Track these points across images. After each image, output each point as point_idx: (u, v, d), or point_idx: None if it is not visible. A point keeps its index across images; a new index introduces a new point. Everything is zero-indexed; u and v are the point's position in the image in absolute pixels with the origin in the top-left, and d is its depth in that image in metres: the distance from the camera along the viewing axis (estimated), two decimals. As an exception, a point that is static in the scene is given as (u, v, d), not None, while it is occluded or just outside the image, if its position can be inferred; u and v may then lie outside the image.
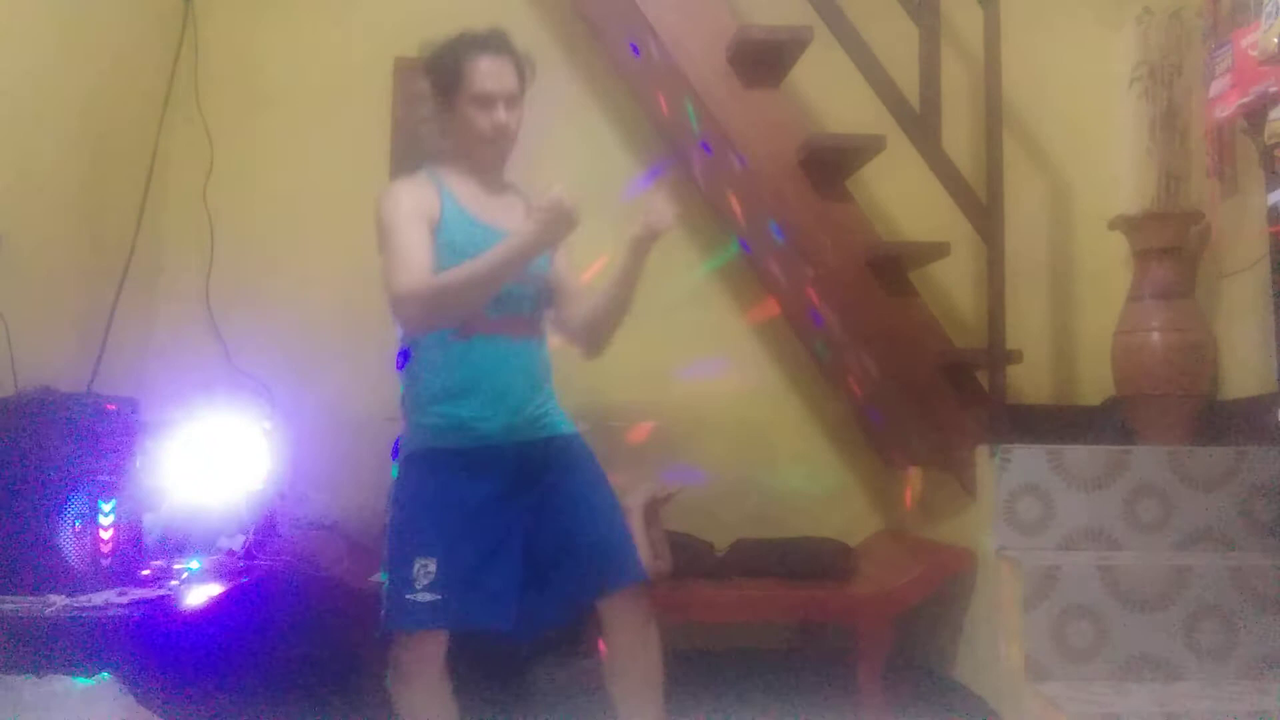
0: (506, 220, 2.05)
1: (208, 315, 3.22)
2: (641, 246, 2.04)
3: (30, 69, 2.41)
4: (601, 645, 2.12)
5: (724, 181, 3.18)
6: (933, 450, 2.93)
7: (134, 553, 2.18)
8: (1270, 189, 2.36)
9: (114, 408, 2.16)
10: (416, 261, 1.95)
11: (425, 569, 1.96)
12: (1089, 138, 3.52)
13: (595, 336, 2.17)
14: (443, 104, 2.08)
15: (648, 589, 2.10)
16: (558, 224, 1.87)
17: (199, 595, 2.09)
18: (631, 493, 2.75)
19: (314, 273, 3.29)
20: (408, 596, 1.96)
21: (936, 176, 2.80)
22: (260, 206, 3.30)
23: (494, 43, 2.06)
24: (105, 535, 2.03)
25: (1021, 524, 2.60)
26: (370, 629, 2.14)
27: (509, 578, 2.01)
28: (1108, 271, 3.34)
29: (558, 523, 2.04)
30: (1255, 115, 2.43)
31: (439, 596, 1.95)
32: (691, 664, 2.98)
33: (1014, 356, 2.82)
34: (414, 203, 2.02)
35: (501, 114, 2.05)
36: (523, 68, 2.09)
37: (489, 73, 2.03)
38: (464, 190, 2.10)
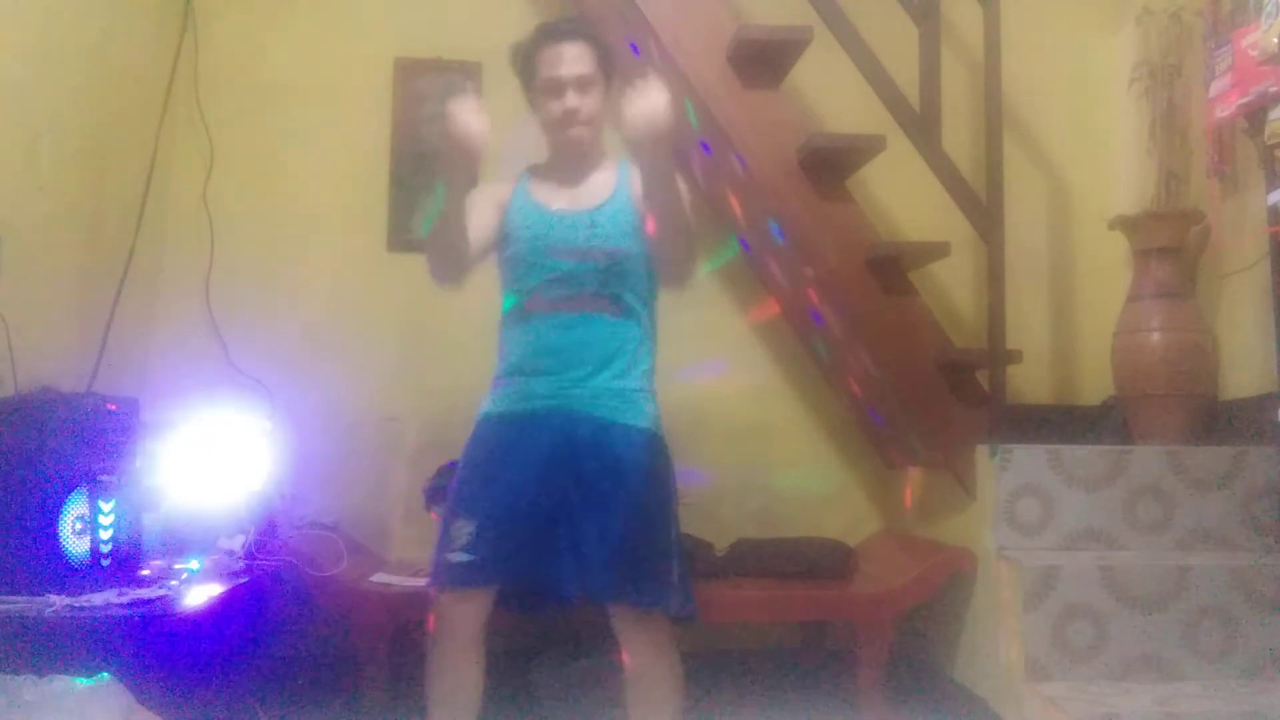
0: (585, 199, 2.08)
1: (208, 315, 3.21)
2: (640, 150, 1.93)
3: (29, 69, 2.40)
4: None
5: (724, 181, 3.18)
6: (933, 450, 2.93)
7: (134, 553, 2.18)
8: (1270, 189, 2.35)
9: (114, 408, 2.16)
10: None
11: (463, 530, 2.00)
12: (1089, 138, 3.52)
13: (663, 267, 2.11)
14: (528, 99, 2.13)
15: (660, 620, 2.04)
16: (455, 144, 1.88)
17: (199, 595, 2.09)
18: None
19: (314, 273, 3.29)
20: (445, 556, 2.00)
21: (936, 176, 2.80)
22: (260, 206, 3.29)
23: (562, 29, 2.08)
24: (105, 535, 2.03)
25: (1021, 524, 2.60)
26: (369, 628, 2.13)
27: (543, 543, 2.01)
28: (1108, 271, 3.35)
29: (586, 516, 2.02)
30: (1255, 115, 2.43)
31: (473, 557, 1.97)
32: (691, 664, 2.99)
33: (1014, 356, 2.82)
34: (488, 190, 2.13)
35: (571, 99, 2.05)
36: (599, 51, 2.09)
37: (554, 59, 2.06)
38: (540, 180, 2.15)
